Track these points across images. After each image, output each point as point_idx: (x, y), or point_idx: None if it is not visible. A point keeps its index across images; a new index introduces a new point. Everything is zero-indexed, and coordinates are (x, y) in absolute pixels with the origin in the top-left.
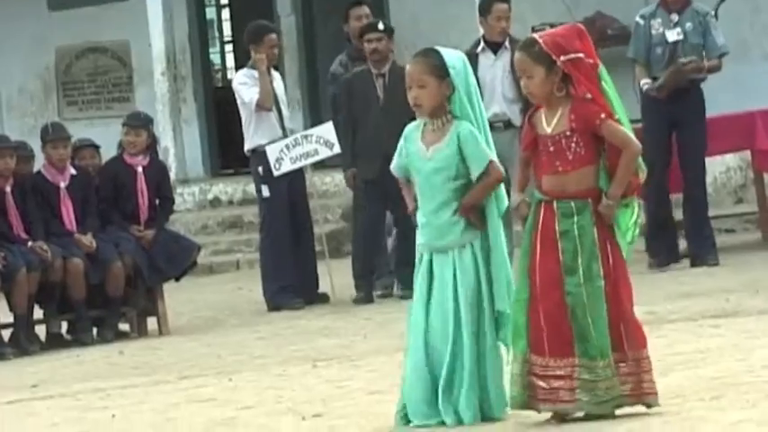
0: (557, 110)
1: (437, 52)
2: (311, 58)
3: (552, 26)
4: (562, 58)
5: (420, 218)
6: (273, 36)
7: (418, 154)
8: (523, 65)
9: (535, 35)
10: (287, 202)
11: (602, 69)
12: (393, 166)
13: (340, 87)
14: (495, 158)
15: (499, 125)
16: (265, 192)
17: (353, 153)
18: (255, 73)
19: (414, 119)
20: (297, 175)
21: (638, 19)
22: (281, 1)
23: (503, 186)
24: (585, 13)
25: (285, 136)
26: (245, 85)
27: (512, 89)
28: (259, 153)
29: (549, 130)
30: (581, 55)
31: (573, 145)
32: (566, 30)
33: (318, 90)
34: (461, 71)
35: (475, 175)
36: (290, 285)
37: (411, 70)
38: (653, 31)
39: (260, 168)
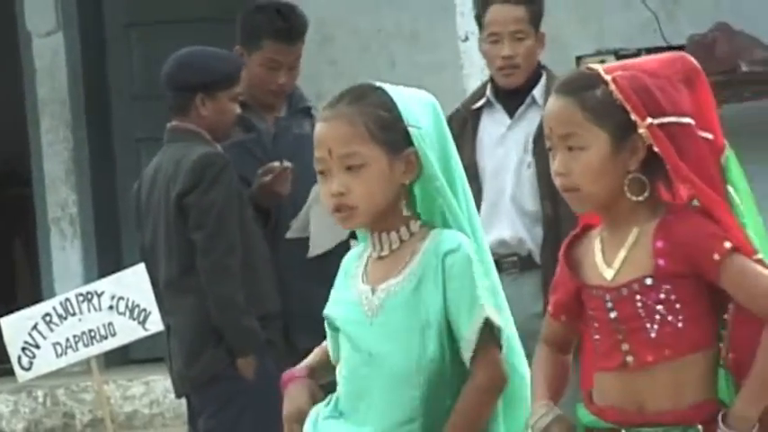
0: (627, 230)
1: (381, 92)
2: (96, 113)
3: (621, 56)
4: (651, 120)
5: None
6: None
7: (354, 308)
8: (567, 124)
9: (597, 67)
10: None
11: (731, 156)
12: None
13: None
14: (500, 320)
15: (509, 263)
16: None
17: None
18: None
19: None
20: None
21: None
22: (33, 3)
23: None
24: (695, 28)
25: None
26: None
27: (535, 191)
28: None
29: (608, 276)
30: (688, 120)
31: (659, 308)
32: (660, 63)
33: (115, 182)
34: (432, 130)
35: (466, 353)
36: None
37: (324, 134)
38: None
39: None
